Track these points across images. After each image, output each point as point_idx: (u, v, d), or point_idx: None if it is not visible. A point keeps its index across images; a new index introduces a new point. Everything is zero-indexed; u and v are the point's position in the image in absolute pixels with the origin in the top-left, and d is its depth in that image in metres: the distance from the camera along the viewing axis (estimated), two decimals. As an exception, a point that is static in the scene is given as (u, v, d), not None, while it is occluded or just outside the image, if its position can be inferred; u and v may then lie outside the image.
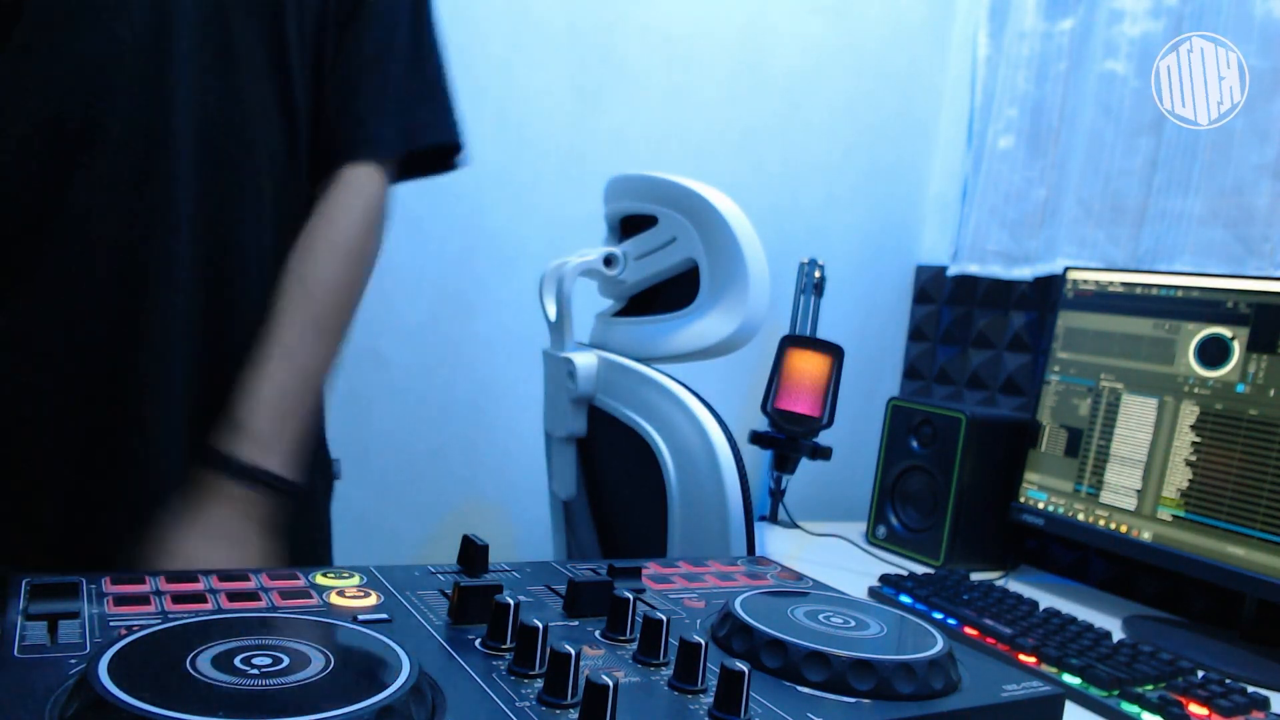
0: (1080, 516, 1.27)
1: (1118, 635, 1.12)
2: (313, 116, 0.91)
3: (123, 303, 0.80)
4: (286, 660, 0.44)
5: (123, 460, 0.81)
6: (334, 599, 0.57)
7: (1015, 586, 1.28)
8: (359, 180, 0.91)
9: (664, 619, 0.53)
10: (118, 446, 0.81)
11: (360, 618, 0.54)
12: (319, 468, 0.94)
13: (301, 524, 0.90)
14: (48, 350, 0.79)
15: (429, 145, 0.96)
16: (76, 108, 0.78)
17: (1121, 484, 1.22)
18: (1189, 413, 1.16)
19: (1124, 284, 1.26)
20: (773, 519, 1.59)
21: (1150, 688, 0.88)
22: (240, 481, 0.80)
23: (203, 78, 0.82)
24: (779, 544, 1.44)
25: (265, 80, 0.85)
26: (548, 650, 0.47)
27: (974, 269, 1.65)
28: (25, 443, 0.79)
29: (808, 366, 1.40)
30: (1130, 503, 1.21)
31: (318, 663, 0.44)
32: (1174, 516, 1.16)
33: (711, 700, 0.48)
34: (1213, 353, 1.14)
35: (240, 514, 0.80)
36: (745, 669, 0.46)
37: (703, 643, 0.49)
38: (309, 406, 0.87)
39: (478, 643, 0.52)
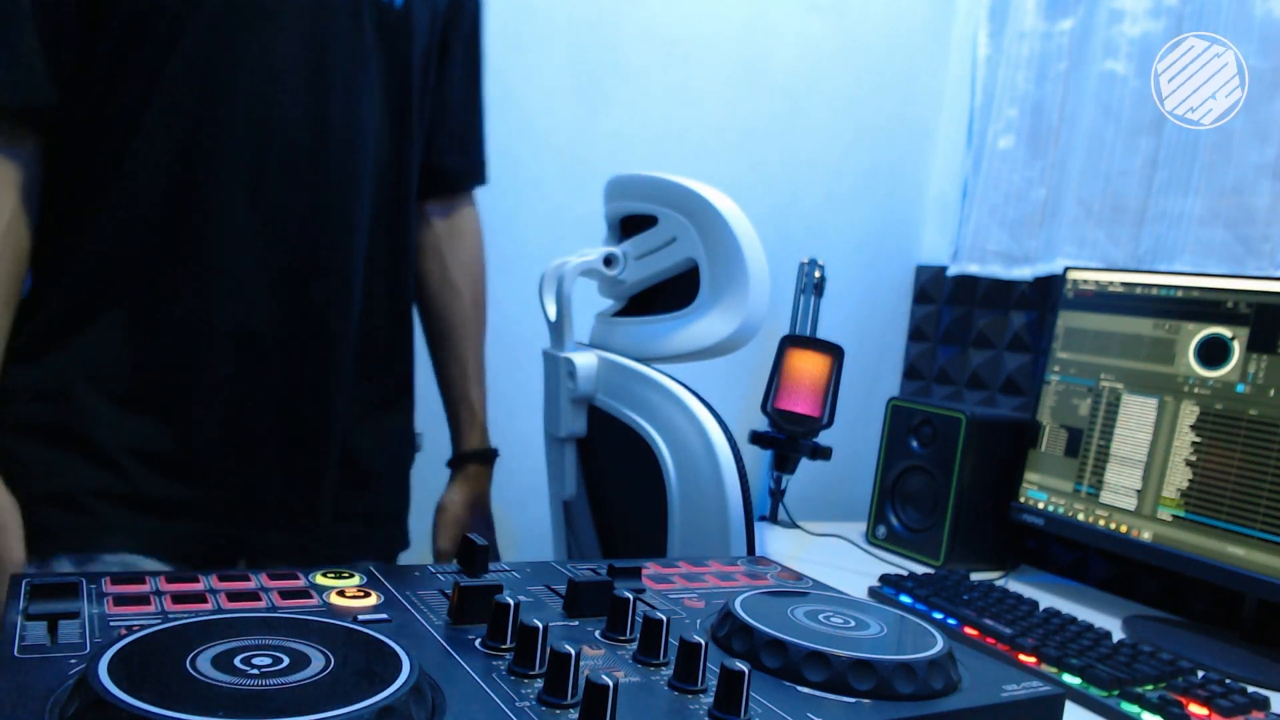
0: (1080, 516, 1.27)
1: (1118, 635, 1.12)
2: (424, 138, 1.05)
3: (295, 309, 0.91)
4: (286, 660, 0.44)
5: (291, 450, 0.94)
6: (334, 599, 0.57)
7: (1015, 586, 1.28)
8: (473, 207, 1.19)
9: (664, 619, 0.53)
10: (288, 432, 0.93)
11: (360, 618, 0.54)
12: (409, 440, 1.13)
13: (395, 487, 1.11)
14: (211, 341, 0.89)
15: (485, 182, 1.19)
16: (245, 122, 0.87)
17: (1121, 484, 1.22)
18: (1189, 413, 1.16)
19: (1124, 284, 1.26)
20: (773, 519, 1.59)
21: (1150, 688, 0.88)
22: (487, 464, 1.18)
23: (349, 94, 0.92)
24: (779, 544, 1.44)
25: (389, 99, 0.97)
26: (548, 650, 0.47)
27: (974, 269, 1.65)
28: (188, 426, 0.89)
29: (808, 366, 1.40)
30: (1130, 503, 1.21)
31: (318, 663, 0.44)
32: (1174, 516, 1.16)
33: (711, 700, 0.48)
34: (1213, 353, 1.14)
35: (486, 484, 1.18)
36: (745, 669, 0.46)
37: (703, 643, 0.49)
38: None
39: (478, 643, 0.52)
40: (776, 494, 1.58)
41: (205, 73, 0.85)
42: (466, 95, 1.13)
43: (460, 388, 1.16)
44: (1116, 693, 0.88)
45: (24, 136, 0.85)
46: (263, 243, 0.89)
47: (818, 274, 1.60)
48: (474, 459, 1.16)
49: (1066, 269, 1.34)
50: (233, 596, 0.55)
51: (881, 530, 1.46)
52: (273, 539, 0.94)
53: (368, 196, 0.96)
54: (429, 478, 1.19)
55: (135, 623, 0.50)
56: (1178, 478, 1.16)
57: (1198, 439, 1.14)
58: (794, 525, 1.55)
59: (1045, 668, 0.93)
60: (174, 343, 0.88)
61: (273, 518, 0.94)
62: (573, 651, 0.46)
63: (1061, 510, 1.29)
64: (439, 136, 1.10)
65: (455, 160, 1.13)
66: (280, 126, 0.88)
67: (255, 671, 0.43)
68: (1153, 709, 0.84)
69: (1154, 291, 1.22)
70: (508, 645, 0.52)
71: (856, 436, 1.70)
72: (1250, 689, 0.90)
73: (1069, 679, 0.90)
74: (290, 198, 0.90)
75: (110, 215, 0.86)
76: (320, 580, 0.61)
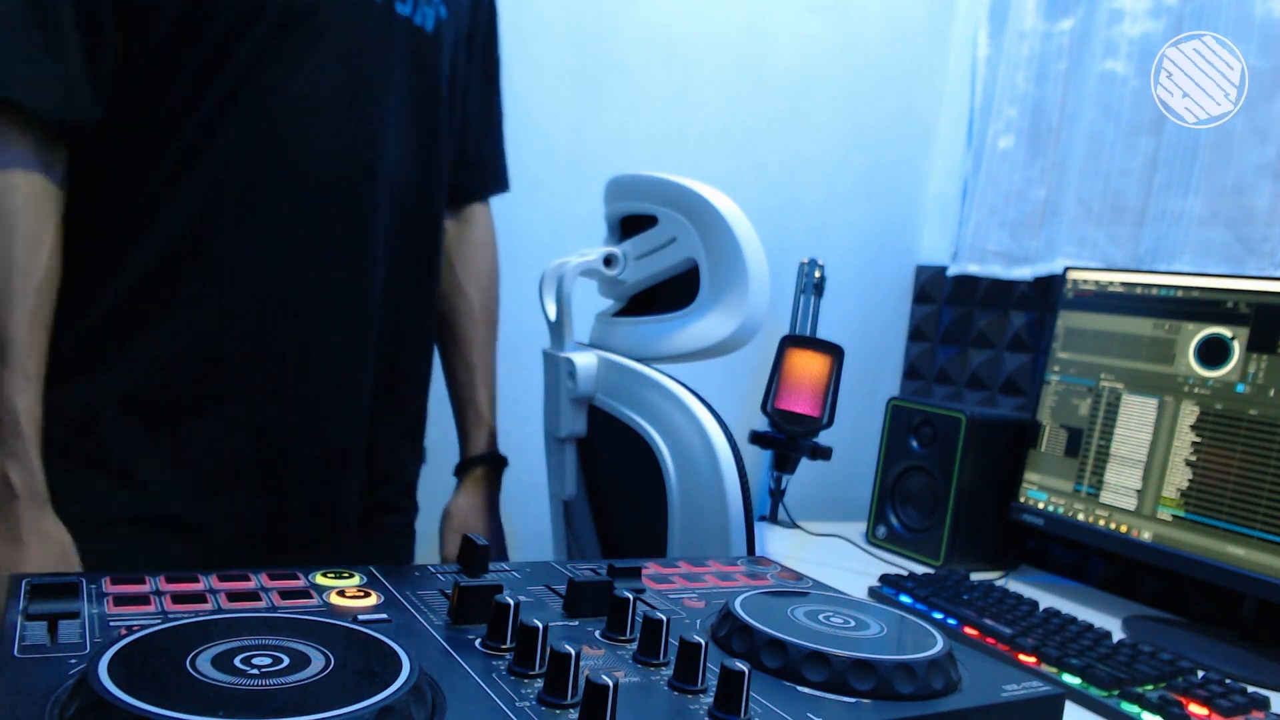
0: (1080, 516, 1.27)
1: (1118, 635, 1.12)
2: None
3: (319, 334, 0.91)
4: (286, 660, 0.44)
5: (313, 474, 0.94)
6: (334, 599, 0.57)
7: (1015, 586, 1.28)
8: (486, 215, 1.19)
9: (664, 619, 0.53)
10: (311, 457, 0.93)
11: (360, 618, 0.54)
12: (418, 456, 1.13)
13: (408, 504, 1.12)
14: (238, 366, 0.88)
15: (505, 190, 1.20)
16: (286, 148, 0.85)
17: (1121, 484, 1.22)
18: (1189, 413, 1.16)
19: (1124, 284, 1.26)
20: (773, 519, 1.59)
21: (1150, 688, 0.88)
22: (494, 467, 1.17)
23: (388, 123, 0.92)
24: (779, 544, 1.44)
25: (418, 123, 0.97)
26: (548, 650, 0.47)
27: (974, 269, 1.65)
28: (218, 451, 0.89)
29: (808, 366, 1.40)
30: (1130, 503, 1.21)
31: (318, 663, 0.44)
32: (1174, 516, 1.16)
33: (711, 700, 0.48)
34: (1213, 353, 1.14)
35: (494, 488, 1.18)
36: (745, 669, 0.46)
37: (703, 643, 0.49)
38: None
39: (478, 643, 0.52)
40: (776, 494, 1.58)
41: (246, 103, 0.84)
42: (483, 110, 1.13)
43: (468, 392, 1.16)
44: (1116, 693, 0.88)
45: (61, 151, 0.82)
46: (291, 273, 0.88)
47: (818, 274, 1.60)
48: (482, 463, 1.16)
49: (1066, 269, 1.34)
50: (233, 596, 0.55)
51: (881, 530, 1.46)
52: (305, 560, 0.92)
53: (394, 226, 0.95)
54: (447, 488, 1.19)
55: (135, 623, 0.50)
56: (1178, 478, 1.16)
57: (1198, 439, 1.14)
58: (794, 525, 1.55)
59: (1045, 668, 0.93)
60: (202, 369, 0.87)
61: (299, 538, 0.94)
62: (573, 651, 0.46)
63: (1061, 510, 1.29)
64: (476, 143, 1.10)
65: (468, 176, 1.13)
66: (318, 160, 0.87)
67: (255, 671, 0.43)
68: (1153, 709, 0.84)
69: (1154, 291, 1.22)
70: (508, 645, 0.52)
71: (856, 436, 1.70)
72: (1250, 689, 0.90)
73: (1069, 679, 0.90)
74: (321, 228, 0.89)
75: (140, 240, 0.85)
76: (320, 580, 0.61)
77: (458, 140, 1.09)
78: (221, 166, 0.84)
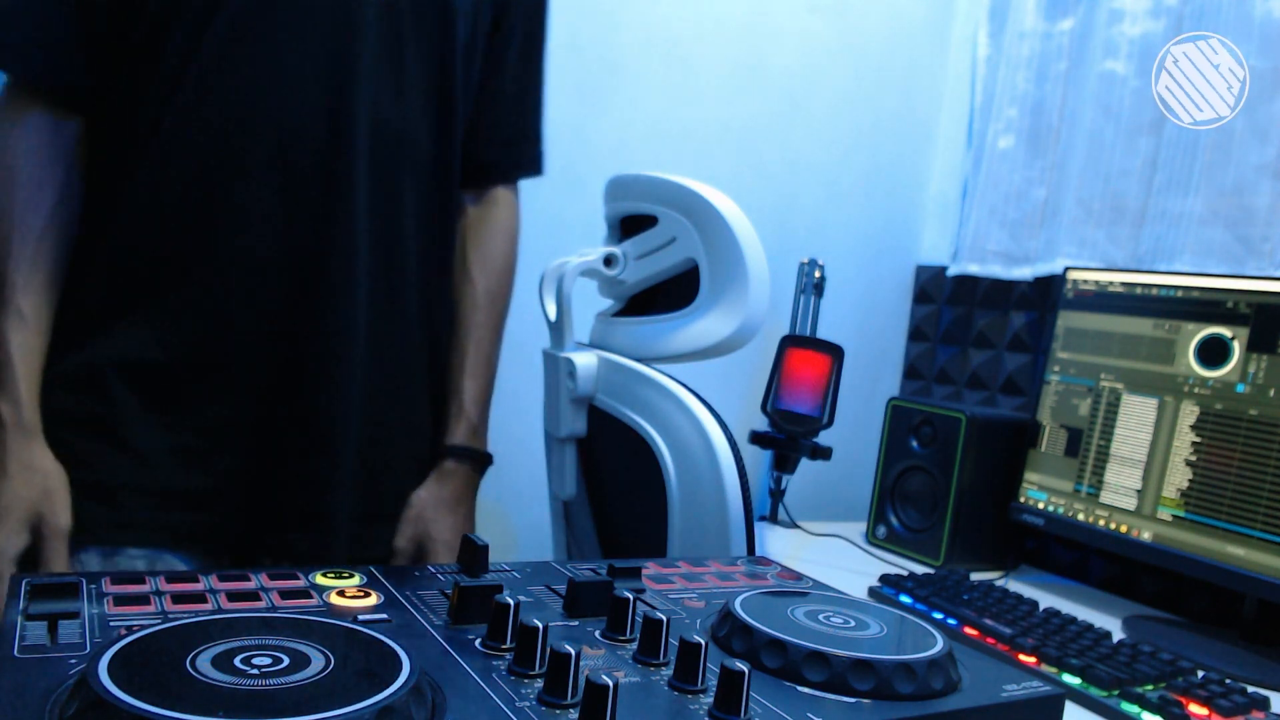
0: (1080, 516, 1.27)
1: (1118, 635, 1.12)
2: (467, 127, 1.03)
3: (305, 297, 0.90)
4: (286, 660, 0.44)
5: (302, 445, 0.92)
6: (334, 599, 0.57)
7: (1015, 586, 1.28)
8: (509, 199, 1.12)
9: (664, 619, 0.53)
10: (298, 426, 0.92)
11: (360, 618, 0.54)
12: (431, 437, 1.08)
13: (417, 486, 1.06)
14: (232, 331, 0.89)
15: (537, 174, 1.15)
16: (268, 114, 0.86)
17: (1121, 484, 1.22)
18: (1189, 413, 1.16)
19: (1124, 284, 1.26)
20: (773, 519, 1.59)
21: (1150, 688, 0.88)
22: (467, 462, 1.06)
23: (377, 85, 0.91)
24: (779, 544, 1.44)
25: (429, 89, 0.96)
26: (548, 650, 0.47)
27: (974, 269, 1.65)
28: (211, 419, 0.89)
29: (808, 366, 1.40)
30: (1130, 503, 1.21)
31: (318, 663, 0.44)
32: (1174, 516, 1.16)
33: (711, 700, 0.48)
34: (1213, 353, 1.14)
35: (465, 486, 1.07)
36: (745, 669, 0.46)
37: (703, 643, 0.49)
38: (491, 395, 1.11)
39: (478, 643, 0.52)
40: (776, 494, 1.58)
41: (229, 67, 0.85)
42: (519, 85, 1.08)
43: (454, 379, 1.08)
44: (1116, 693, 0.88)
45: (67, 116, 0.87)
46: (283, 236, 0.88)
47: (818, 274, 1.60)
48: (451, 455, 1.06)
49: (1066, 269, 1.34)
50: (233, 596, 0.55)
51: (881, 530, 1.46)
52: (289, 539, 0.93)
53: (396, 192, 0.95)
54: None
55: (135, 623, 0.50)
56: (1178, 478, 1.16)
57: (1198, 439, 1.14)
58: (794, 525, 1.55)
59: (1045, 668, 0.93)
60: (196, 335, 0.88)
61: (286, 517, 0.93)
62: (573, 651, 0.46)
63: (1061, 510, 1.29)
64: (482, 126, 1.05)
65: (494, 153, 1.08)
66: (301, 121, 0.87)
67: (255, 671, 0.43)
68: (1153, 709, 0.84)
69: (1154, 291, 1.22)
70: (508, 645, 0.52)
71: (856, 436, 1.70)
72: (1250, 689, 0.90)
73: (1069, 679, 0.90)
74: (309, 193, 0.89)
75: (137, 207, 0.87)
76: (320, 580, 0.61)
77: (485, 115, 1.05)
78: (214, 127, 0.86)
